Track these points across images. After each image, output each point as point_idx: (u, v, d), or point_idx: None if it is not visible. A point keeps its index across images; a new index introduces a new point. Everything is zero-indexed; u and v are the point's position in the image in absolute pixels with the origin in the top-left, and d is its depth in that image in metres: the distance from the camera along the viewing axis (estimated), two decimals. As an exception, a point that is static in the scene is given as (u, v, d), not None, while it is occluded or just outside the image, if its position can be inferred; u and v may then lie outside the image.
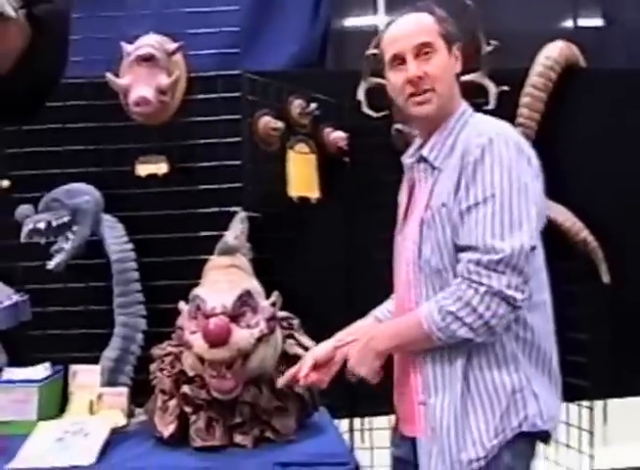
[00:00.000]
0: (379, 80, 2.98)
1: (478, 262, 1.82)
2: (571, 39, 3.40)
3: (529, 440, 1.96)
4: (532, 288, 1.88)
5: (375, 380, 2.00)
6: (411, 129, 3.09)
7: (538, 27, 3.86)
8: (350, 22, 4.23)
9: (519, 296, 1.80)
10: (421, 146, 2.10)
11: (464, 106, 2.08)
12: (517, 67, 3.29)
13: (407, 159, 2.18)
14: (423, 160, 2.06)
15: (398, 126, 3.18)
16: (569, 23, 4.13)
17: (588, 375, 2.91)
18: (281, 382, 2.19)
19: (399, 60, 2.02)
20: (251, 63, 3.08)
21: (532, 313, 1.92)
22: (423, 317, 1.88)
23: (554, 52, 3.27)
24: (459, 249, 1.90)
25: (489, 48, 3.00)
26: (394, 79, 2.05)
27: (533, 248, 1.84)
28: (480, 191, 1.86)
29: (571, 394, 2.36)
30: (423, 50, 2.00)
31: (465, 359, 1.91)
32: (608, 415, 3.44)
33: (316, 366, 2.11)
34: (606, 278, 3.28)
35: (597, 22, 4.20)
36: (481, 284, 1.81)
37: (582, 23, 4.11)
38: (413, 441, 2.04)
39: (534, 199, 1.87)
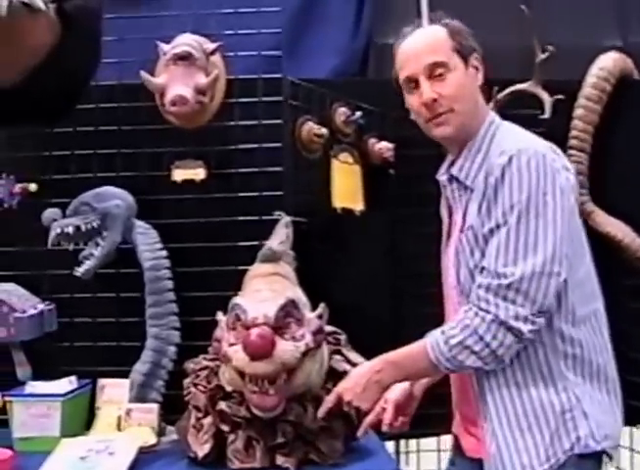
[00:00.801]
0: None
1: (487, 288, 1.78)
2: (624, 51, 3.31)
3: (585, 462, 1.85)
4: (575, 302, 1.84)
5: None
6: None
7: (589, 40, 3.70)
8: (393, 38, 4.08)
9: (525, 328, 1.75)
10: (452, 163, 2.01)
11: (490, 116, 1.99)
12: (569, 78, 3.19)
13: (441, 176, 2.09)
14: (455, 179, 1.98)
15: None
16: (618, 37, 3.91)
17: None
18: (360, 433, 2.12)
19: (413, 82, 1.95)
20: (291, 73, 2.95)
21: (578, 328, 1.86)
22: (430, 348, 1.84)
23: (608, 63, 3.18)
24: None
25: (544, 55, 2.88)
26: (411, 102, 1.98)
27: (552, 273, 1.75)
28: (499, 213, 1.80)
29: (633, 417, 2.20)
30: (436, 71, 1.92)
31: (508, 381, 1.85)
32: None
33: (397, 408, 2.11)
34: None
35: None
36: (488, 312, 1.77)
37: (632, 37, 3.91)
38: (472, 460, 2.00)
39: (558, 217, 1.78)
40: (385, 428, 2.09)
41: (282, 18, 3.00)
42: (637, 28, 3.92)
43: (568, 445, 1.81)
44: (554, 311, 1.81)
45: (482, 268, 1.81)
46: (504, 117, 2.06)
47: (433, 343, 1.83)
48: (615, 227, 3.00)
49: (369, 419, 2.08)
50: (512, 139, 1.88)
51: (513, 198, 1.77)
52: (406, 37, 1.99)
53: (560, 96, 2.91)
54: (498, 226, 1.79)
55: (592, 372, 1.86)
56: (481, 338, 1.76)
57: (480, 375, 1.88)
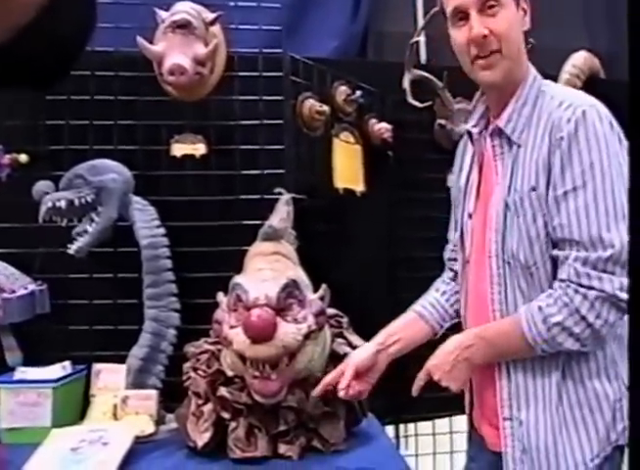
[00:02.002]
0: (422, 73, 2.97)
1: (585, 262, 1.63)
2: (592, 50, 3.50)
3: (621, 452, 1.74)
4: None
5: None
6: (454, 125, 3.13)
7: (559, 42, 3.76)
8: (390, 26, 4.12)
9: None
10: (490, 115, 1.87)
11: (533, 70, 1.85)
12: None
13: (472, 127, 1.92)
14: (498, 133, 1.81)
15: (441, 121, 3.18)
16: (586, 40, 4.07)
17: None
18: (316, 391, 2.00)
19: (461, 14, 1.78)
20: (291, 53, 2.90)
21: None
22: (526, 327, 1.69)
23: (579, 61, 3.36)
24: (555, 242, 1.68)
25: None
26: (457, 38, 1.81)
27: None
28: (578, 173, 1.63)
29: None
30: (488, 3, 1.75)
31: (561, 367, 1.72)
32: None
33: (357, 374, 1.96)
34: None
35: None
36: (592, 288, 1.61)
37: (599, 40, 4.10)
38: (494, 454, 1.83)
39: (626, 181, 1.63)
40: (340, 393, 1.94)
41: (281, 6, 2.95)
42: (602, 32, 4.10)
43: (614, 435, 1.71)
44: None
45: (570, 241, 1.65)
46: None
47: (530, 321, 1.68)
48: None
49: (326, 379, 1.98)
50: (571, 94, 1.75)
51: (592, 155, 1.63)
52: None
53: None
54: (575, 188, 1.63)
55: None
56: (584, 318, 1.62)
57: (524, 360, 1.75)
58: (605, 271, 1.61)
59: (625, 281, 1.58)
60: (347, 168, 2.99)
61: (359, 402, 2.18)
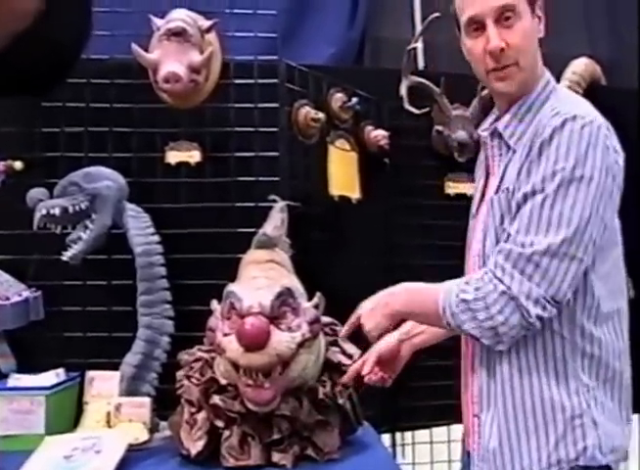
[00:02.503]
0: (419, 79, 2.96)
1: (507, 255, 1.63)
2: (593, 57, 3.47)
3: None
4: (600, 296, 1.69)
5: (375, 339, 1.90)
6: (451, 132, 3.11)
7: (561, 49, 3.76)
8: (387, 32, 4.13)
9: (534, 310, 1.59)
10: (497, 118, 1.85)
11: (546, 76, 1.82)
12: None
13: (483, 131, 1.91)
14: (498, 135, 1.81)
15: (439, 128, 3.15)
16: (587, 47, 4.09)
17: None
18: (345, 379, 2.05)
19: (477, 24, 1.74)
20: (287, 60, 2.89)
21: (600, 326, 1.70)
22: (442, 295, 1.70)
23: (580, 67, 3.34)
24: None
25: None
26: (472, 48, 1.77)
27: (575, 257, 1.60)
28: (539, 179, 1.63)
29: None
30: (505, 14, 1.71)
31: (520, 372, 1.71)
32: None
33: (380, 362, 2.00)
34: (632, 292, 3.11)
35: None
36: (502, 282, 1.62)
37: (599, 47, 4.12)
38: (468, 454, 1.85)
39: (597, 197, 1.61)
40: (365, 378, 1.98)
41: (278, 4, 2.98)
42: (604, 39, 4.13)
43: (573, 454, 1.66)
44: (577, 303, 1.67)
45: (509, 235, 1.66)
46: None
47: (446, 291, 1.69)
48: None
49: (355, 366, 2.01)
50: (570, 103, 1.72)
51: (557, 164, 1.60)
52: None
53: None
54: (534, 193, 1.62)
55: (607, 377, 1.71)
56: (487, 307, 1.61)
57: (490, 358, 1.74)
58: (522, 272, 1.60)
59: (536, 291, 1.59)
60: (343, 176, 2.98)
61: (354, 411, 2.17)
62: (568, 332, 1.68)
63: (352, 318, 1.90)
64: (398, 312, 1.81)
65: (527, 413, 1.69)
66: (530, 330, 1.63)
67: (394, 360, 2.03)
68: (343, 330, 1.95)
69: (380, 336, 1.88)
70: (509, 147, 1.77)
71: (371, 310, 1.82)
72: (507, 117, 1.79)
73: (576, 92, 3.10)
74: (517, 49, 1.72)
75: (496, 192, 1.75)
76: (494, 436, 1.73)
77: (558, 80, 3.17)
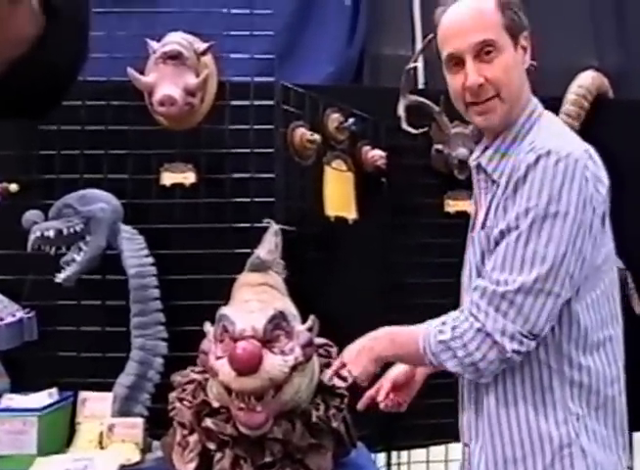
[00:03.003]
0: (418, 98, 2.94)
1: (482, 293, 1.64)
2: (600, 70, 3.45)
3: None
4: (588, 326, 1.67)
5: (364, 383, 1.87)
6: (451, 150, 3.10)
7: (567, 60, 3.76)
8: (387, 49, 4.12)
9: (510, 346, 1.59)
10: (486, 148, 1.83)
11: (532, 104, 1.79)
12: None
13: (472, 161, 1.91)
14: (482, 170, 1.81)
15: (438, 147, 3.13)
16: (595, 58, 4.06)
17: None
18: (360, 406, 2.00)
19: (456, 60, 1.74)
20: (285, 79, 2.91)
21: (589, 354, 1.68)
22: (422, 336, 1.71)
23: (587, 81, 3.29)
24: None
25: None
26: (452, 83, 1.78)
27: (551, 292, 1.59)
28: (513, 216, 1.63)
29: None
30: (484, 49, 1.70)
31: (507, 403, 1.70)
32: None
33: (395, 387, 2.02)
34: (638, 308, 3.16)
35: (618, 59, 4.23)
36: (477, 320, 1.63)
37: (607, 57, 4.09)
38: None
39: (573, 232, 1.60)
40: (381, 405, 1.98)
41: (276, 23, 2.96)
42: (611, 50, 4.08)
43: None
44: (563, 333, 1.66)
45: (485, 272, 1.67)
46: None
47: (425, 332, 1.69)
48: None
49: (370, 392, 1.99)
50: (546, 135, 1.69)
51: (530, 201, 1.59)
52: (449, 6, 1.76)
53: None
54: (509, 230, 1.63)
55: (598, 404, 1.69)
56: (465, 345, 1.62)
57: (479, 388, 1.75)
58: (497, 310, 1.60)
59: (511, 327, 1.59)
60: (339, 196, 2.98)
61: (348, 433, 2.17)
62: (554, 362, 1.67)
63: (337, 363, 1.90)
64: (383, 357, 1.82)
65: (515, 444, 1.69)
66: (510, 363, 1.64)
67: (409, 385, 2.05)
68: (328, 374, 1.94)
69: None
70: (494, 181, 1.76)
71: (356, 357, 1.82)
72: (490, 151, 1.79)
73: (582, 106, 3.17)
74: (497, 83, 1.71)
75: (482, 227, 1.76)
76: (482, 465, 1.73)
77: (564, 93, 3.19)
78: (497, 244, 1.66)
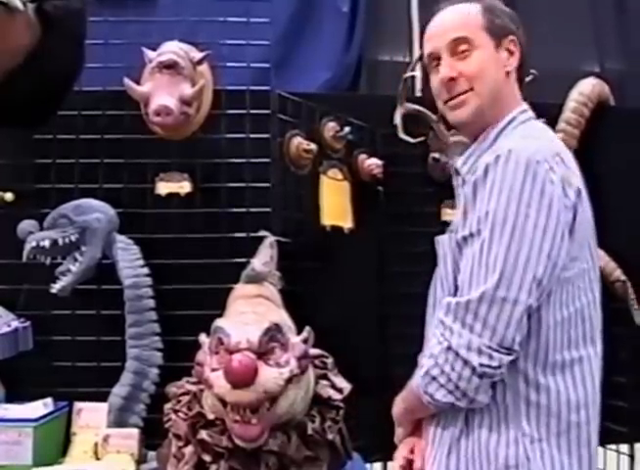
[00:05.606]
0: (415, 106, 2.91)
1: (447, 309, 1.57)
2: (601, 77, 3.40)
3: None
4: (549, 344, 1.58)
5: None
6: (449, 158, 3.04)
7: (568, 66, 3.79)
8: (384, 56, 4.15)
9: (477, 360, 1.51)
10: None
11: (516, 111, 1.77)
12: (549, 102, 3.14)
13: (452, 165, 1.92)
14: (456, 172, 1.81)
15: (435, 155, 3.11)
16: (596, 63, 4.13)
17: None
18: None
19: (435, 59, 1.77)
20: (282, 87, 2.91)
21: (549, 374, 1.59)
22: (414, 382, 1.66)
23: (587, 88, 3.25)
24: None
25: (527, 78, 2.86)
26: (432, 81, 1.80)
27: (518, 300, 1.51)
28: (475, 220, 1.57)
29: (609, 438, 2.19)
30: (459, 47, 1.73)
31: (462, 419, 1.64)
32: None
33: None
34: (638, 319, 3.13)
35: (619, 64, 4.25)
36: (445, 338, 1.56)
37: (609, 63, 4.13)
38: None
39: (537, 235, 1.52)
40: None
41: (273, 30, 2.94)
42: (613, 55, 4.10)
43: None
44: (520, 348, 1.56)
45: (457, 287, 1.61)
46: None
47: (416, 375, 1.65)
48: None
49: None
50: (514, 138, 1.66)
51: (490, 203, 1.53)
52: (437, 14, 1.81)
53: (542, 120, 2.88)
54: (472, 235, 1.57)
55: (560, 430, 1.58)
56: (442, 369, 1.55)
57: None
58: (463, 324, 1.53)
59: (476, 341, 1.51)
60: (335, 206, 2.96)
61: (344, 445, 2.15)
62: (508, 377, 1.58)
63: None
64: (398, 417, 1.82)
65: (468, 459, 1.62)
66: (491, 378, 1.54)
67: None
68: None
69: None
70: (465, 182, 1.73)
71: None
72: (466, 153, 1.78)
73: (582, 113, 3.15)
74: (470, 77, 1.72)
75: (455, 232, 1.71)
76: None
77: (564, 100, 3.16)
78: (460, 249, 1.61)
